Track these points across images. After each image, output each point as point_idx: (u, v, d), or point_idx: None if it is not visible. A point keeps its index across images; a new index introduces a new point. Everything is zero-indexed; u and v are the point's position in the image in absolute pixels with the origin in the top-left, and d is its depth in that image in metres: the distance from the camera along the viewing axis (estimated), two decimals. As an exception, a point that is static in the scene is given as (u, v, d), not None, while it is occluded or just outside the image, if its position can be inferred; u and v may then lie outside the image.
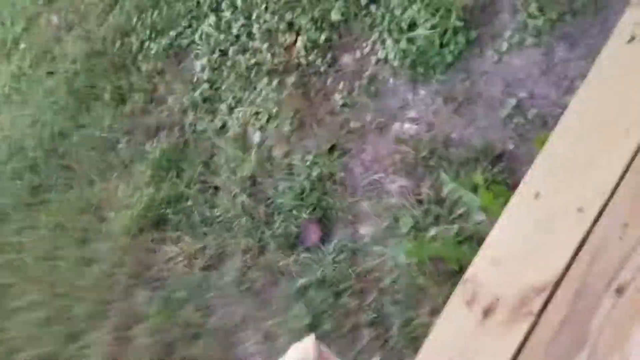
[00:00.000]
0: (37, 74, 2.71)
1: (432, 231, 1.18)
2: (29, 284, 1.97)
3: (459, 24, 1.43)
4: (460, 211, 1.18)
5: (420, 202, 1.27)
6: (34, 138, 2.40)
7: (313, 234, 1.50)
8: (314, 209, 1.54)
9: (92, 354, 1.67)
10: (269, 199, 1.64)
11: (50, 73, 2.61)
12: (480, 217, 1.14)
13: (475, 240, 1.12)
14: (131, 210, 1.85)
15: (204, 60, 2.10)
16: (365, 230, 1.41)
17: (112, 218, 1.91)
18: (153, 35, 2.30)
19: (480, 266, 0.58)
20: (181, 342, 1.54)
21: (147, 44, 2.29)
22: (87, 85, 2.39)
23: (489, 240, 0.59)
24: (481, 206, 1.14)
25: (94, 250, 1.89)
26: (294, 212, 1.57)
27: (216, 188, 1.76)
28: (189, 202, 1.76)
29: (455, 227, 1.17)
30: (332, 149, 1.62)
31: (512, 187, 1.10)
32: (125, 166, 2.02)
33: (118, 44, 2.40)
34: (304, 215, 1.54)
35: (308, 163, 1.62)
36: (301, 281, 1.46)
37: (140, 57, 2.30)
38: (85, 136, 2.24)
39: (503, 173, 1.22)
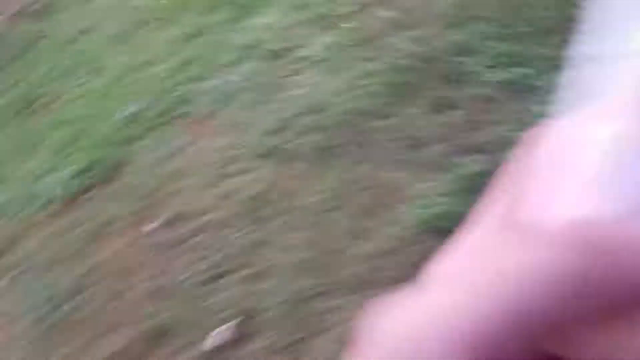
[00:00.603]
0: (354, 54, 2.88)
1: None
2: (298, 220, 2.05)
3: None
4: None
5: None
6: (335, 106, 2.52)
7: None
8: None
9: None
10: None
11: (370, 59, 2.75)
12: None
13: None
14: (425, 211, 1.84)
15: (545, 102, 2.04)
16: None
17: (400, 210, 1.91)
18: (494, 65, 2.31)
19: None
20: None
21: (484, 70, 2.30)
22: (406, 83, 2.47)
23: None
24: None
25: (369, 229, 1.91)
26: None
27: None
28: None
29: None
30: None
31: None
32: (426, 170, 2.03)
33: (452, 57, 2.45)
34: None
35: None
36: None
37: (471, 78, 2.32)
38: (389, 126, 2.30)
39: None
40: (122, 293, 2.04)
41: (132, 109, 3.50)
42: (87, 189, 2.86)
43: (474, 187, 1.88)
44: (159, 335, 1.86)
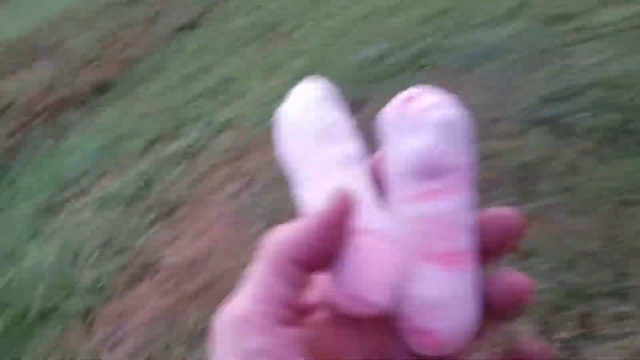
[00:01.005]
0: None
1: None
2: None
3: None
4: None
5: None
6: (635, 86, 2.13)
7: None
8: None
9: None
10: None
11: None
12: None
13: None
14: None
15: None
16: None
17: None
18: None
19: None
20: None
21: None
22: None
23: None
24: None
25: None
26: None
27: None
28: None
29: None
30: None
31: None
32: None
33: None
34: None
35: None
36: None
37: None
38: None
39: None
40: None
41: (373, 51, 3.39)
42: (323, 119, 2.83)
43: None
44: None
